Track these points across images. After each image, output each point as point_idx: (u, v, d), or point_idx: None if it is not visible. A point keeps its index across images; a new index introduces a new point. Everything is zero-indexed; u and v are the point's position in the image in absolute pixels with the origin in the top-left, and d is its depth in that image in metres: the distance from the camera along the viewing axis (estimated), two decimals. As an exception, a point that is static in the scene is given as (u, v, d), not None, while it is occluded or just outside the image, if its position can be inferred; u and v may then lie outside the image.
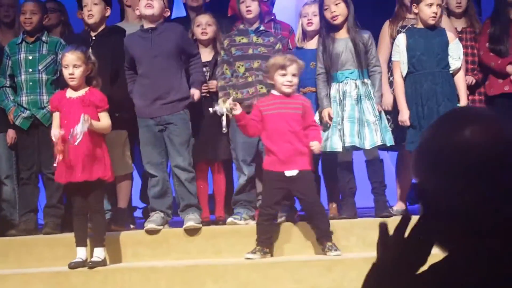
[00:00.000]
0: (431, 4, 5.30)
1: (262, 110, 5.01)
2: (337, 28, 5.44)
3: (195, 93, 5.34)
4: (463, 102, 5.30)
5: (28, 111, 5.62)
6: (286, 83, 4.98)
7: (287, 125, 4.96)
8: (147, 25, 5.38)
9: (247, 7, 5.60)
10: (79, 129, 4.77)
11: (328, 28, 5.45)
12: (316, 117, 5.32)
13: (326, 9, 5.41)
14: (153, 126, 5.27)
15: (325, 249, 4.90)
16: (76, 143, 4.79)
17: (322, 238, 4.94)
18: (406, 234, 1.44)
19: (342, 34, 5.44)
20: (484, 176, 1.33)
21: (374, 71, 5.40)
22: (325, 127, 5.32)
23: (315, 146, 4.95)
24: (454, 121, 1.40)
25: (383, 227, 1.48)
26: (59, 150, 4.83)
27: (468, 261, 1.35)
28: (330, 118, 5.29)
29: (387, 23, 5.77)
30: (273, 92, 5.08)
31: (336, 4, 5.39)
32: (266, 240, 5.00)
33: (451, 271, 1.36)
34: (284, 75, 4.98)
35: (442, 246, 1.41)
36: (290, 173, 4.92)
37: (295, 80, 5.01)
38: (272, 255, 5.03)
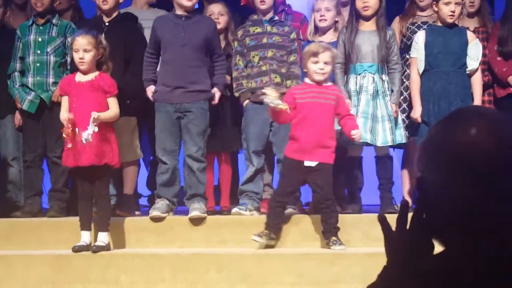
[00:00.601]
0: (449, 3, 5.29)
1: (296, 97, 4.97)
2: (364, 19, 5.41)
3: (217, 94, 5.33)
4: (476, 103, 5.29)
5: (33, 93, 5.62)
6: (318, 71, 4.93)
7: (319, 115, 4.92)
8: (181, 12, 5.34)
9: None
10: (89, 131, 4.76)
11: (356, 17, 5.41)
12: None
13: None
14: (172, 113, 5.24)
15: (329, 243, 4.90)
16: (85, 142, 4.78)
17: (329, 232, 4.93)
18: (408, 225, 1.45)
19: (367, 27, 5.41)
20: (486, 175, 1.34)
21: (395, 69, 5.39)
22: None
23: (357, 134, 4.92)
24: (460, 119, 1.42)
25: (382, 220, 1.49)
26: (67, 133, 4.83)
27: (463, 258, 1.36)
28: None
29: (397, 19, 5.77)
30: (306, 80, 5.05)
31: None
32: (275, 226, 4.98)
33: (446, 266, 1.37)
34: (316, 62, 4.93)
35: (439, 240, 1.43)
36: (309, 163, 4.89)
37: (328, 68, 4.95)
38: (277, 242, 5.01)
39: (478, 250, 1.35)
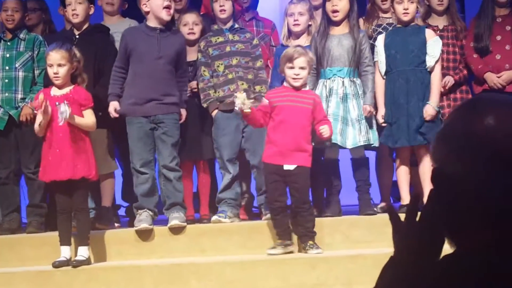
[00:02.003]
0: (401, 1, 5.35)
1: (273, 101, 4.98)
2: (334, 23, 5.43)
3: (184, 113, 5.36)
4: (432, 100, 5.29)
5: (1, 109, 5.58)
6: (293, 76, 4.94)
7: (296, 118, 4.91)
8: (154, 24, 5.34)
9: (220, 6, 5.60)
10: (62, 109, 4.76)
11: (327, 22, 5.43)
12: None
13: (329, 0, 5.40)
14: (146, 124, 5.24)
15: (306, 247, 4.90)
16: (60, 123, 4.78)
17: (305, 236, 4.93)
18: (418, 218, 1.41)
19: (338, 30, 5.43)
20: (507, 166, 1.30)
21: (367, 71, 5.40)
22: None
23: (324, 129, 4.88)
24: (477, 107, 1.37)
25: (390, 210, 1.46)
26: (39, 103, 4.81)
27: (478, 256, 1.30)
28: None
29: (361, 22, 5.79)
30: (285, 84, 5.05)
31: None
32: (284, 232, 4.95)
33: (458, 266, 1.32)
34: (291, 68, 4.94)
35: (452, 238, 1.38)
36: (288, 167, 4.89)
37: (303, 73, 4.95)
38: (293, 245, 4.98)
39: (499, 247, 1.30)
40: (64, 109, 4.78)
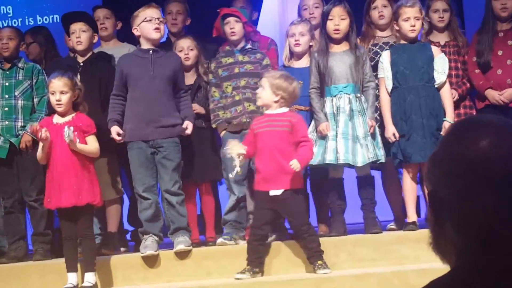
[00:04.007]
0: (408, 18, 5.38)
1: (254, 129, 5.02)
2: (335, 41, 5.46)
3: (190, 126, 5.32)
4: (449, 116, 5.33)
5: (2, 137, 5.62)
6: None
7: (273, 142, 4.93)
8: (147, 46, 5.38)
9: (231, 28, 5.64)
10: (65, 134, 4.82)
11: (327, 40, 5.46)
12: (313, 132, 5.34)
13: (331, 19, 5.42)
14: (146, 149, 5.25)
15: (315, 268, 4.90)
16: (67, 140, 4.84)
17: (313, 257, 4.93)
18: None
19: (339, 48, 5.45)
20: (501, 188, 1.30)
21: (368, 87, 5.41)
22: (323, 140, 5.31)
23: (294, 164, 4.78)
24: (471, 129, 1.37)
25: None
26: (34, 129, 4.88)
27: (474, 276, 1.31)
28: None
29: (357, 41, 5.81)
30: (266, 111, 5.09)
31: (342, 19, 5.41)
32: (256, 260, 4.99)
33: (453, 286, 1.32)
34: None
35: (447, 259, 1.38)
36: (274, 192, 4.90)
37: (259, 91, 5.02)
38: (262, 275, 5.02)
39: (494, 267, 1.31)
40: (66, 131, 4.82)
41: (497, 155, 1.32)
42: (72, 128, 4.87)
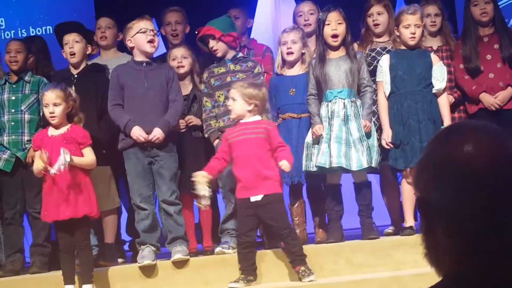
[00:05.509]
0: (408, 25, 5.41)
1: (228, 138, 5.06)
2: (332, 47, 5.48)
3: (155, 132, 5.20)
4: (446, 123, 5.34)
5: (8, 151, 5.62)
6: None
7: (250, 150, 4.97)
8: (141, 59, 5.39)
9: (211, 47, 5.63)
10: (60, 162, 4.76)
11: (324, 46, 5.47)
12: (309, 136, 5.36)
13: (328, 24, 5.44)
14: (143, 158, 5.25)
15: (299, 275, 4.89)
16: (58, 172, 4.79)
17: (294, 262, 4.93)
18: None
19: (334, 54, 5.47)
20: (487, 191, 1.31)
21: (366, 91, 5.44)
22: (317, 143, 5.33)
23: (284, 165, 4.87)
24: (456, 134, 1.38)
25: None
26: (42, 159, 4.81)
27: (467, 283, 1.31)
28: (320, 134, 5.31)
29: (355, 46, 5.83)
30: (241, 120, 5.13)
31: (339, 23, 5.43)
32: (248, 268, 4.98)
33: None
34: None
35: (441, 268, 1.38)
36: (255, 198, 4.93)
37: (231, 104, 5.05)
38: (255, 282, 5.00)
39: (480, 273, 1.31)
40: (63, 160, 4.78)
41: (483, 158, 1.32)
42: (68, 154, 4.82)
